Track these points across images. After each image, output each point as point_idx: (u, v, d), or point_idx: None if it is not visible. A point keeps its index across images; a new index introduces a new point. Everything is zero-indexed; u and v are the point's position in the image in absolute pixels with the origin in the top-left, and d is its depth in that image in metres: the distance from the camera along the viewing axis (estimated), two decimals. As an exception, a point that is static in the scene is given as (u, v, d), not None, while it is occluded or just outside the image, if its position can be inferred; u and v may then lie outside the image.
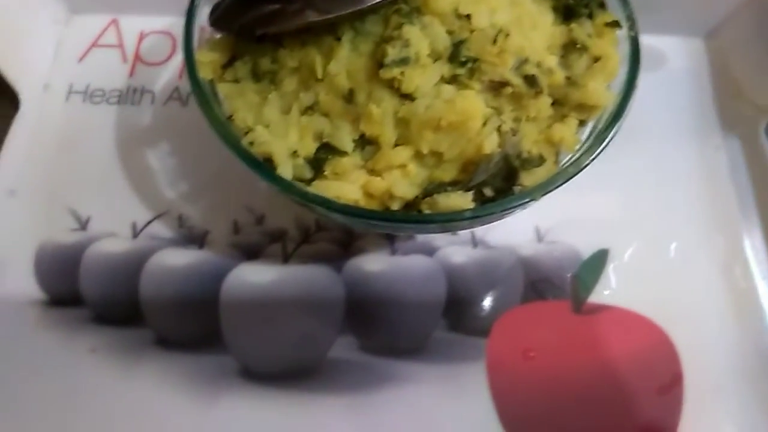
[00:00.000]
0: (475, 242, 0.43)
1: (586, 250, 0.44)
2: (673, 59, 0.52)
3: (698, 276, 0.43)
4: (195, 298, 0.41)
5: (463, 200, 0.31)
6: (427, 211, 0.31)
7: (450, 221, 0.31)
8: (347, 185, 0.32)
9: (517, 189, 0.32)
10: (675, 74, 0.52)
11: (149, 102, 0.48)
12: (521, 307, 0.42)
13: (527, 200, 0.31)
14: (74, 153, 0.46)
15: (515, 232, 0.44)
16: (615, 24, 0.36)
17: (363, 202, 0.32)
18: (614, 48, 0.35)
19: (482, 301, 0.42)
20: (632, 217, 0.45)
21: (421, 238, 0.43)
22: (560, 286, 0.42)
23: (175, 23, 0.51)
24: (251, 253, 0.43)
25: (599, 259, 0.43)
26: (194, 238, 0.43)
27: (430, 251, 0.43)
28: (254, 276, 0.42)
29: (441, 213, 0.31)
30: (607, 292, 0.42)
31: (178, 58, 0.50)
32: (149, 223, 0.44)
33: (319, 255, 0.43)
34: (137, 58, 0.50)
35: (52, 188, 0.45)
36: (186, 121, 0.47)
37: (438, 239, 0.43)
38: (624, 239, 0.44)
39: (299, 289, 0.42)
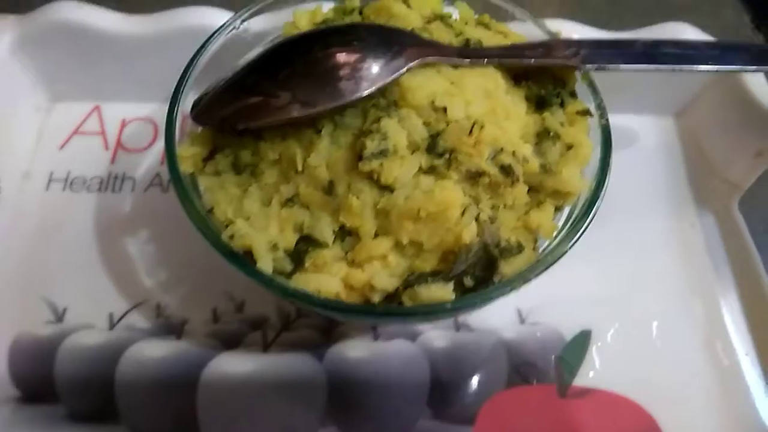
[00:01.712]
0: (457, 326, 0.43)
1: (569, 330, 0.43)
2: (645, 137, 0.54)
3: (681, 355, 0.43)
4: (172, 391, 0.40)
5: (443, 291, 0.31)
6: (408, 303, 0.31)
7: (431, 313, 0.31)
8: (328, 278, 0.32)
9: (497, 278, 0.32)
10: (648, 152, 0.53)
11: (130, 189, 0.48)
12: (506, 392, 0.41)
13: (507, 290, 0.31)
14: (53, 242, 0.46)
15: (497, 314, 0.44)
16: (586, 112, 0.37)
17: (344, 295, 0.32)
18: (586, 135, 0.37)
19: (466, 386, 0.41)
20: (613, 294, 0.45)
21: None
22: (544, 369, 0.42)
23: (156, 110, 0.52)
24: (231, 341, 0.42)
25: (582, 341, 0.43)
26: (172, 328, 0.42)
27: (412, 336, 0.42)
28: (233, 366, 0.41)
29: (422, 305, 0.31)
30: (591, 374, 0.42)
31: (160, 144, 0.51)
32: (126, 313, 0.43)
33: (301, 342, 0.42)
34: (119, 144, 0.51)
35: (29, 278, 0.44)
36: (166, 207, 0.47)
37: (420, 324, 0.43)
38: (606, 318, 0.44)
39: (280, 379, 0.41)
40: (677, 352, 0.43)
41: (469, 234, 0.32)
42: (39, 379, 0.40)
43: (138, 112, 0.52)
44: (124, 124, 0.52)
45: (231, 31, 0.41)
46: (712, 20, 0.54)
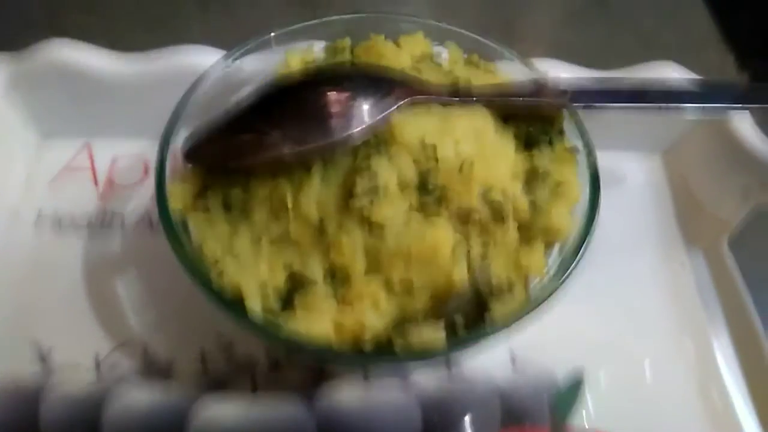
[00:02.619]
0: (448, 365, 0.42)
1: (561, 371, 0.43)
2: (632, 176, 0.54)
3: (675, 396, 0.43)
4: (158, 434, 0.39)
5: (435, 334, 0.31)
6: (399, 346, 0.31)
7: (423, 357, 0.30)
8: (317, 318, 0.31)
9: (488, 317, 0.32)
10: (636, 190, 0.53)
11: (119, 225, 0.48)
12: (499, 434, 0.40)
13: (500, 331, 0.31)
14: (39, 280, 0.45)
15: (489, 356, 0.43)
16: (574, 150, 0.37)
17: (334, 336, 0.31)
18: (575, 173, 0.37)
19: (460, 430, 0.40)
20: (604, 334, 0.44)
21: (395, 362, 0.42)
22: (538, 410, 0.41)
23: (147, 147, 0.52)
24: (218, 384, 0.41)
25: (575, 384, 0.42)
26: (159, 369, 0.41)
27: (403, 375, 0.42)
28: (221, 410, 0.40)
29: (414, 349, 0.30)
30: (585, 414, 0.41)
31: (150, 181, 0.50)
32: (111, 353, 0.42)
33: (290, 384, 0.41)
34: (109, 181, 0.50)
35: (14, 318, 0.43)
36: (155, 244, 0.47)
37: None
38: (598, 358, 0.44)
39: (268, 424, 0.40)
40: (670, 393, 0.43)
41: (460, 273, 0.32)
42: (23, 424, 0.39)
43: (128, 150, 0.52)
44: (114, 161, 0.52)
45: (223, 69, 0.42)
46: (697, 60, 0.55)
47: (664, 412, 0.42)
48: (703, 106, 0.40)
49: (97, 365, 0.41)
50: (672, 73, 0.50)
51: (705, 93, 0.41)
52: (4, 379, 0.40)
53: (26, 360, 0.41)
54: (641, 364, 0.44)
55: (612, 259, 0.47)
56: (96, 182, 0.51)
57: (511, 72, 0.42)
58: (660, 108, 0.39)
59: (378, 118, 0.34)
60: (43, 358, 0.42)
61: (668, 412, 0.42)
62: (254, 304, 0.31)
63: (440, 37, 0.44)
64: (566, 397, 0.42)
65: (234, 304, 0.31)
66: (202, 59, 0.47)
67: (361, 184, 0.32)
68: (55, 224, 0.48)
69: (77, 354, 0.42)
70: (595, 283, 0.45)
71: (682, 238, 0.51)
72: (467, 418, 0.40)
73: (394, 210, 0.32)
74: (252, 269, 0.32)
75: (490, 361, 0.43)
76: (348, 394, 0.40)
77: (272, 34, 0.44)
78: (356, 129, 0.33)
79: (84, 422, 0.39)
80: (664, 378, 0.43)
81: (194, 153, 0.35)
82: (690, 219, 0.51)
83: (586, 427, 0.41)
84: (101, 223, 0.48)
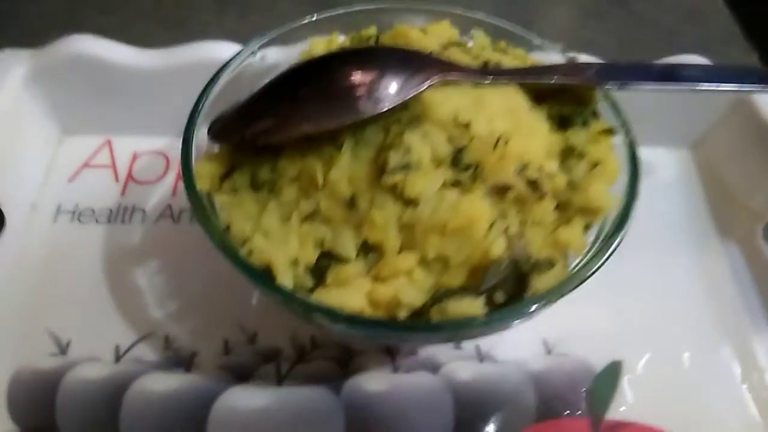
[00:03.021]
0: (480, 357, 0.41)
1: (598, 362, 0.41)
2: (662, 169, 0.53)
3: (717, 387, 0.41)
4: (180, 426, 0.38)
5: (474, 306, 0.29)
6: (437, 319, 0.29)
7: (462, 328, 0.29)
8: (351, 293, 0.30)
9: (529, 293, 0.31)
10: (666, 184, 0.52)
11: (140, 220, 0.47)
12: (537, 426, 0.39)
13: (542, 304, 0.29)
14: (59, 273, 0.44)
15: (522, 345, 0.42)
16: (610, 131, 0.36)
17: (368, 311, 0.30)
18: (611, 152, 0.36)
19: (493, 421, 0.39)
20: (641, 326, 0.43)
21: (424, 353, 0.41)
22: (575, 402, 0.40)
23: (168, 144, 0.52)
24: (242, 374, 0.40)
25: (612, 373, 0.41)
26: (181, 360, 0.40)
27: (434, 368, 0.40)
28: (245, 401, 0.39)
29: (452, 320, 0.29)
30: (624, 407, 0.40)
31: (171, 176, 0.50)
32: (133, 345, 0.41)
33: (316, 375, 0.40)
34: (129, 177, 0.50)
35: (33, 310, 0.42)
36: (177, 238, 0.46)
37: (442, 354, 0.41)
38: (635, 350, 0.42)
39: (294, 414, 0.38)
40: (712, 384, 0.41)
41: (498, 248, 0.31)
42: (40, 415, 0.38)
43: (149, 146, 0.52)
44: (135, 157, 0.51)
45: (247, 58, 0.41)
46: (720, 58, 0.54)
47: (704, 404, 0.40)
48: (739, 87, 0.39)
49: (117, 357, 0.40)
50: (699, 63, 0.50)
51: (739, 75, 0.40)
52: (22, 370, 0.39)
53: (45, 352, 0.40)
54: (680, 356, 0.42)
55: (646, 252, 0.46)
56: (116, 178, 0.50)
57: (540, 59, 0.42)
58: (694, 89, 0.38)
59: (409, 94, 0.33)
60: (62, 350, 0.40)
61: (709, 403, 0.41)
62: (285, 280, 0.30)
63: (466, 27, 0.43)
64: (604, 388, 0.40)
65: (266, 278, 0.30)
66: (224, 54, 0.47)
67: (394, 159, 0.31)
68: (75, 218, 0.47)
69: (97, 346, 0.41)
70: (630, 275, 0.45)
71: (716, 230, 0.49)
72: (501, 408, 0.39)
73: (428, 184, 0.31)
74: (282, 246, 0.31)
75: (524, 352, 0.41)
76: (377, 384, 0.39)
77: (296, 23, 0.43)
78: (387, 104, 0.32)
79: (102, 412, 0.38)
80: (703, 369, 0.42)
81: (221, 131, 0.35)
82: (723, 211, 0.50)
83: (625, 419, 0.39)
84: (122, 217, 0.47)
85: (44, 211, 0.47)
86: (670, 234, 0.49)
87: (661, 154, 0.54)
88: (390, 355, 0.41)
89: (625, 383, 0.41)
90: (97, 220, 0.47)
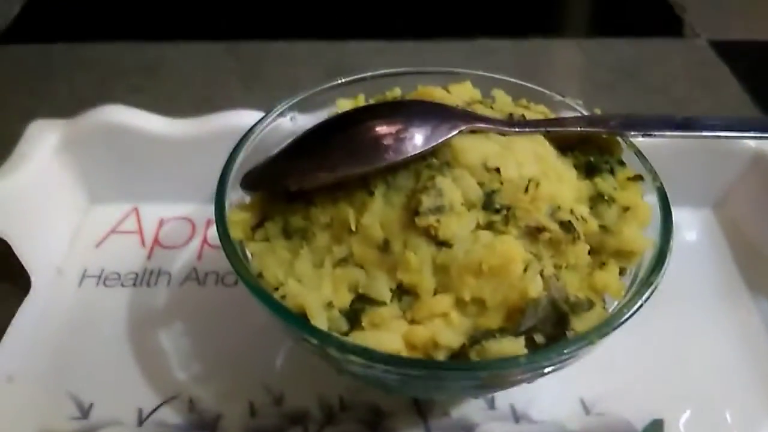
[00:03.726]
0: (516, 417, 0.39)
1: (639, 421, 0.40)
2: (686, 230, 0.53)
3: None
4: (204, 494, 0.36)
5: (515, 345, 0.29)
6: (475, 356, 0.29)
7: (503, 368, 0.28)
8: (387, 335, 0.29)
9: (570, 334, 0.30)
10: (691, 244, 0.52)
11: (165, 283, 0.47)
12: (580, 489, 0.36)
13: (585, 343, 0.28)
14: (82, 336, 0.43)
15: (559, 404, 0.40)
16: (638, 178, 0.37)
17: (405, 353, 0.29)
18: (641, 198, 0.36)
19: (533, 484, 0.36)
20: (679, 384, 0.42)
21: (457, 415, 0.39)
22: (618, 463, 0.38)
23: (195, 210, 0.52)
24: (269, 437, 0.38)
25: (655, 431, 0.39)
26: (206, 424, 0.39)
27: (468, 428, 0.39)
28: (272, 465, 0.37)
29: (496, 359, 0.28)
30: (670, 470, 0.38)
31: (197, 241, 0.50)
32: (157, 408, 0.40)
33: (346, 437, 0.38)
34: (156, 242, 0.50)
35: (56, 374, 0.41)
36: (202, 300, 0.46)
37: (475, 415, 0.39)
38: (676, 408, 0.40)
39: (324, 478, 0.37)
40: (760, 444, 0.39)
41: (535, 288, 0.30)
42: (58, 481, 0.36)
43: (176, 212, 0.52)
44: (161, 223, 0.52)
45: (278, 118, 0.42)
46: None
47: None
48: (759, 134, 0.39)
49: (140, 421, 0.39)
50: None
51: (758, 125, 0.40)
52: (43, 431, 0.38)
53: (67, 416, 0.39)
54: (723, 415, 0.40)
55: (679, 310, 0.46)
56: (143, 243, 0.50)
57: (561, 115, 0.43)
58: (718, 137, 0.39)
59: (439, 140, 0.34)
60: (84, 414, 0.39)
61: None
62: (320, 322, 0.30)
63: (487, 88, 0.45)
64: (648, 449, 0.38)
65: (301, 320, 0.29)
66: (250, 121, 0.48)
67: (427, 202, 0.31)
68: (101, 282, 0.47)
69: (119, 410, 0.40)
70: (664, 333, 0.44)
71: (745, 286, 0.48)
72: (542, 471, 0.37)
73: (462, 225, 0.31)
74: (315, 290, 0.31)
75: (561, 411, 0.40)
76: (411, 445, 0.37)
77: (322, 87, 0.45)
78: (417, 151, 0.33)
79: (126, 477, 0.36)
80: (746, 425, 0.40)
81: (253, 181, 0.35)
82: (751, 267, 0.49)
83: (674, 481, 0.37)
84: (147, 281, 0.47)
85: (70, 276, 0.48)
86: (700, 292, 0.48)
87: (684, 215, 0.54)
88: (422, 416, 0.39)
89: (670, 444, 0.39)
90: (122, 284, 0.47)
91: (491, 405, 0.40)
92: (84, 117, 0.50)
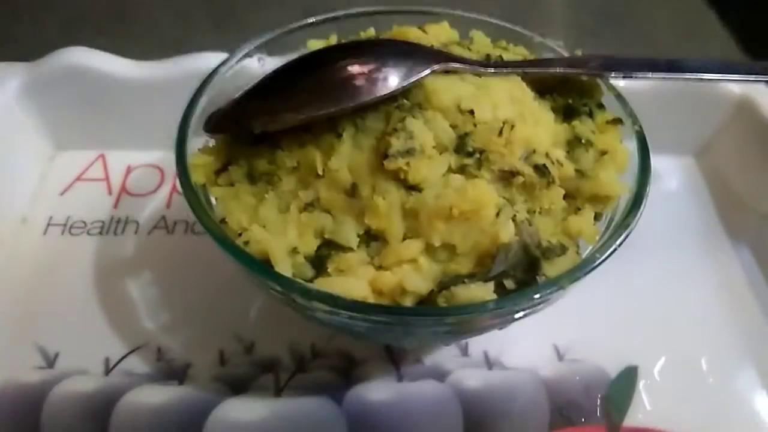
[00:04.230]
0: (489, 363, 0.39)
1: (612, 367, 0.40)
2: (667, 177, 0.52)
3: (736, 391, 0.39)
4: (173, 441, 0.35)
5: (483, 291, 0.28)
6: (444, 301, 0.28)
7: (471, 314, 0.27)
8: (353, 281, 0.28)
9: (540, 279, 0.29)
10: (673, 190, 0.51)
11: (133, 231, 0.46)
12: (552, 434, 0.36)
13: (555, 289, 0.28)
14: (48, 285, 0.42)
15: (532, 350, 0.40)
16: (617, 121, 0.36)
17: (372, 300, 0.28)
18: (619, 142, 0.35)
19: (506, 429, 0.36)
20: (655, 331, 0.42)
21: (430, 361, 0.39)
22: (590, 409, 0.38)
23: (163, 157, 0.51)
24: (239, 386, 0.38)
25: (629, 378, 0.39)
26: (174, 373, 0.38)
27: (440, 375, 0.38)
28: (242, 413, 0.37)
29: (463, 305, 0.27)
30: (641, 414, 0.38)
31: (166, 189, 0.49)
32: (124, 357, 0.39)
33: (317, 385, 0.38)
34: (123, 189, 0.49)
35: (20, 324, 0.40)
36: (171, 249, 0.45)
37: (448, 362, 0.39)
38: (650, 355, 0.40)
39: (294, 426, 0.36)
40: (732, 389, 0.39)
41: (507, 233, 0.29)
42: (25, 429, 0.36)
43: (144, 159, 0.51)
44: (129, 170, 0.50)
45: (244, 58, 0.40)
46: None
47: (724, 408, 0.39)
48: (743, 78, 0.38)
49: (107, 370, 0.38)
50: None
51: (747, 68, 0.39)
52: (7, 383, 0.37)
53: (30, 365, 0.38)
54: (698, 361, 0.40)
55: (657, 258, 0.45)
56: (110, 191, 0.49)
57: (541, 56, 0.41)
58: (701, 79, 0.37)
59: (410, 81, 0.32)
60: (50, 363, 0.38)
61: (729, 407, 0.39)
62: (284, 268, 0.29)
63: (465, 28, 0.43)
64: (620, 394, 0.38)
65: (264, 266, 0.28)
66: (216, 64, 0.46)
67: (396, 145, 0.30)
68: (66, 231, 0.46)
69: (86, 359, 0.39)
70: (642, 279, 0.44)
71: (726, 235, 0.48)
72: (512, 417, 0.36)
73: (432, 169, 0.30)
74: (280, 235, 0.30)
75: (534, 357, 0.40)
76: (381, 393, 0.37)
77: (292, 26, 0.43)
78: (388, 91, 0.31)
79: (90, 426, 0.36)
80: (721, 374, 0.40)
81: (217, 123, 0.34)
82: (732, 215, 0.49)
83: (644, 426, 0.37)
84: (114, 229, 0.46)
85: (34, 224, 0.46)
86: (681, 240, 0.48)
87: (666, 162, 0.53)
88: (394, 363, 0.39)
89: (642, 389, 0.39)
90: (89, 233, 0.46)
91: (464, 352, 0.39)
92: (47, 60, 0.48)
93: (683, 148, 0.54)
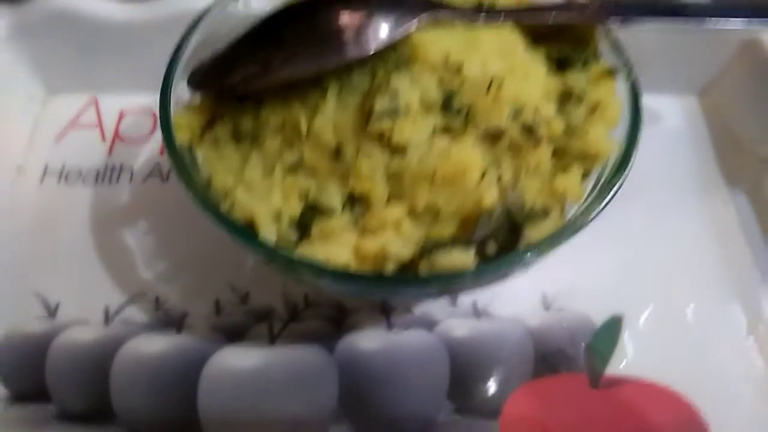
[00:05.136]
0: (477, 313, 0.40)
1: (598, 316, 0.40)
2: (668, 117, 0.51)
3: (719, 341, 0.40)
4: (172, 388, 0.37)
5: (465, 257, 0.28)
6: (425, 272, 0.28)
7: (452, 281, 0.28)
8: (336, 247, 0.29)
9: (522, 244, 0.29)
10: (672, 132, 0.50)
11: (127, 180, 0.46)
12: (533, 382, 0.38)
13: (535, 254, 0.28)
14: (46, 236, 0.43)
15: (520, 300, 0.40)
16: (611, 72, 0.34)
17: (354, 265, 0.29)
18: (612, 94, 0.34)
19: (490, 378, 0.38)
20: (643, 279, 0.42)
21: (419, 310, 0.40)
22: (573, 357, 0.39)
23: (155, 101, 0.49)
24: (235, 334, 0.39)
25: (613, 327, 0.40)
26: (172, 321, 0.40)
27: (429, 325, 0.39)
28: (238, 360, 0.38)
29: (442, 273, 0.28)
30: (624, 363, 0.39)
31: (159, 135, 0.47)
32: (123, 307, 0.40)
33: (309, 334, 0.39)
34: (116, 136, 0.48)
35: (21, 274, 0.41)
36: (166, 197, 0.45)
37: (437, 311, 0.40)
38: (637, 303, 0.41)
39: (288, 373, 0.38)
40: (717, 338, 0.40)
41: (490, 197, 0.29)
42: (30, 378, 0.38)
43: (136, 103, 0.50)
44: (121, 116, 0.49)
45: (229, 3, 0.39)
46: None
47: (708, 358, 0.39)
48: (751, 20, 0.36)
49: (107, 319, 0.40)
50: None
51: (752, 10, 0.37)
52: (11, 334, 0.39)
53: (33, 315, 0.40)
54: (683, 309, 0.41)
55: (650, 203, 0.45)
56: (103, 137, 0.49)
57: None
58: (704, 24, 0.36)
59: (397, 35, 0.31)
60: (51, 313, 0.40)
61: (712, 357, 0.39)
62: (268, 233, 0.29)
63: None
64: (604, 343, 0.39)
65: (247, 232, 0.29)
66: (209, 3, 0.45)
67: (381, 104, 0.30)
68: (62, 180, 0.46)
69: (86, 308, 0.40)
70: (633, 228, 0.43)
71: (723, 179, 0.47)
72: (498, 365, 0.38)
73: (416, 130, 0.30)
74: (265, 198, 0.30)
75: (522, 307, 0.40)
76: (371, 342, 0.38)
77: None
78: (373, 48, 0.31)
79: (92, 375, 0.37)
80: (708, 324, 0.40)
81: (201, 80, 0.33)
82: (730, 159, 0.48)
83: (625, 374, 0.38)
84: (109, 177, 0.46)
85: (31, 173, 0.46)
86: (675, 183, 0.47)
87: (668, 101, 0.52)
88: (385, 313, 0.40)
89: (626, 338, 0.39)
90: (84, 181, 0.46)
91: (453, 302, 0.40)
92: (34, 2, 0.46)
93: (686, 87, 0.52)
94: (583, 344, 0.39)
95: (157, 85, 0.49)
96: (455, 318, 0.40)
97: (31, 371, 0.38)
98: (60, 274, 0.41)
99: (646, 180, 0.45)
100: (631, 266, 0.42)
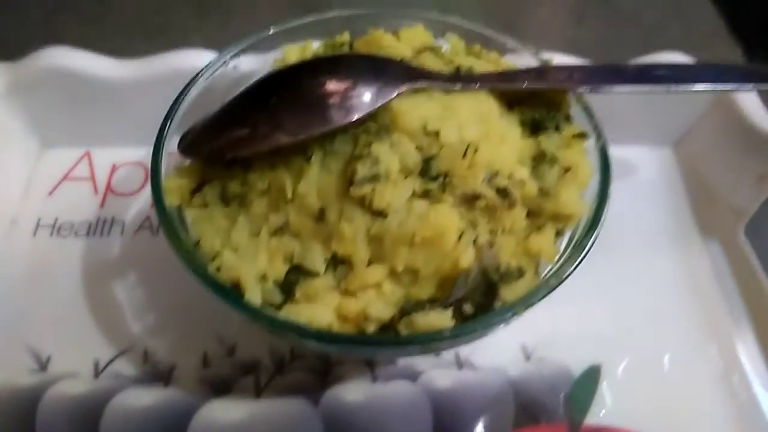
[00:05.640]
0: (460, 363, 0.41)
1: (577, 367, 0.41)
2: (643, 168, 0.53)
3: (696, 389, 0.41)
4: (160, 441, 0.38)
5: (442, 318, 0.29)
6: (404, 332, 0.29)
7: (430, 341, 0.29)
8: (319, 308, 0.30)
9: (498, 304, 0.30)
10: (647, 183, 0.52)
11: (119, 232, 0.47)
12: (514, 433, 0.38)
13: (509, 315, 0.29)
14: (38, 288, 0.44)
15: (501, 350, 0.41)
16: (582, 135, 0.36)
17: (337, 326, 0.30)
18: (583, 157, 0.36)
19: (472, 428, 0.38)
20: (621, 329, 0.43)
21: (403, 362, 0.41)
22: (553, 408, 0.40)
23: (147, 155, 0.50)
24: (221, 387, 0.40)
25: (591, 377, 0.41)
26: (160, 375, 0.40)
27: (413, 376, 0.40)
28: (224, 414, 0.39)
29: (420, 333, 0.29)
30: (603, 412, 0.40)
31: (150, 188, 0.50)
32: (112, 360, 0.41)
33: (295, 386, 0.40)
34: (108, 189, 0.50)
35: (12, 326, 0.42)
36: (156, 250, 0.46)
37: (421, 362, 0.41)
38: (615, 353, 0.42)
39: (273, 427, 0.38)
40: (692, 387, 0.41)
41: (467, 259, 0.31)
42: (19, 430, 0.38)
43: (128, 157, 0.51)
44: (114, 169, 0.51)
45: (219, 68, 0.41)
46: (704, 54, 0.53)
47: (685, 408, 0.40)
48: (713, 86, 0.38)
49: (97, 373, 0.40)
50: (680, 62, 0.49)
51: (714, 74, 0.39)
52: (2, 385, 0.39)
53: (24, 368, 0.40)
54: (660, 359, 0.42)
55: (626, 253, 0.46)
56: (96, 191, 0.50)
57: (514, 62, 0.41)
58: (668, 90, 0.38)
59: (378, 104, 0.33)
60: (42, 366, 0.40)
61: (690, 407, 0.40)
62: (253, 296, 0.30)
63: (441, 31, 0.43)
64: (583, 393, 0.40)
65: (233, 295, 0.30)
66: (201, 62, 0.46)
67: (362, 171, 0.31)
68: (55, 232, 0.47)
69: (76, 362, 0.41)
70: (610, 278, 0.45)
71: (697, 229, 0.49)
72: (479, 415, 0.39)
73: (396, 195, 0.31)
74: (251, 261, 0.31)
75: (503, 357, 0.41)
76: (355, 394, 0.39)
77: (269, 31, 0.43)
78: (355, 115, 0.32)
79: (81, 426, 0.38)
80: (684, 372, 0.42)
81: (191, 144, 0.35)
82: (705, 210, 0.50)
83: (604, 424, 0.39)
84: (101, 230, 0.47)
85: (24, 226, 0.47)
86: (651, 233, 0.49)
87: (644, 152, 0.54)
88: (369, 365, 0.41)
89: (605, 388, 0.40)
90: (76, 234, 0.47)
91: (436, 353, 0.41)
92: (30, 60, 0.48)
93: (661, 138, 0.54)
94: (562, 394, 0.40)
95: (148, 139, 0.50)
96: (438, 369, 0.41)
97: (21, 424, 0.38)
98: (51, 326, 0.42)
99: (622, 230, 0.46)
100: (608, 316, 0.44)
